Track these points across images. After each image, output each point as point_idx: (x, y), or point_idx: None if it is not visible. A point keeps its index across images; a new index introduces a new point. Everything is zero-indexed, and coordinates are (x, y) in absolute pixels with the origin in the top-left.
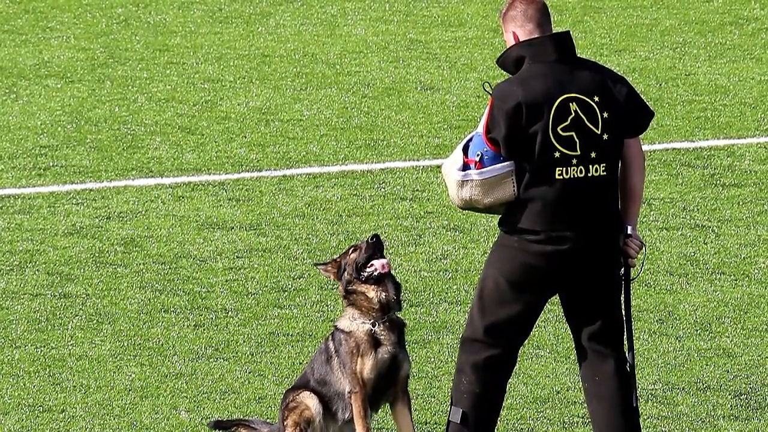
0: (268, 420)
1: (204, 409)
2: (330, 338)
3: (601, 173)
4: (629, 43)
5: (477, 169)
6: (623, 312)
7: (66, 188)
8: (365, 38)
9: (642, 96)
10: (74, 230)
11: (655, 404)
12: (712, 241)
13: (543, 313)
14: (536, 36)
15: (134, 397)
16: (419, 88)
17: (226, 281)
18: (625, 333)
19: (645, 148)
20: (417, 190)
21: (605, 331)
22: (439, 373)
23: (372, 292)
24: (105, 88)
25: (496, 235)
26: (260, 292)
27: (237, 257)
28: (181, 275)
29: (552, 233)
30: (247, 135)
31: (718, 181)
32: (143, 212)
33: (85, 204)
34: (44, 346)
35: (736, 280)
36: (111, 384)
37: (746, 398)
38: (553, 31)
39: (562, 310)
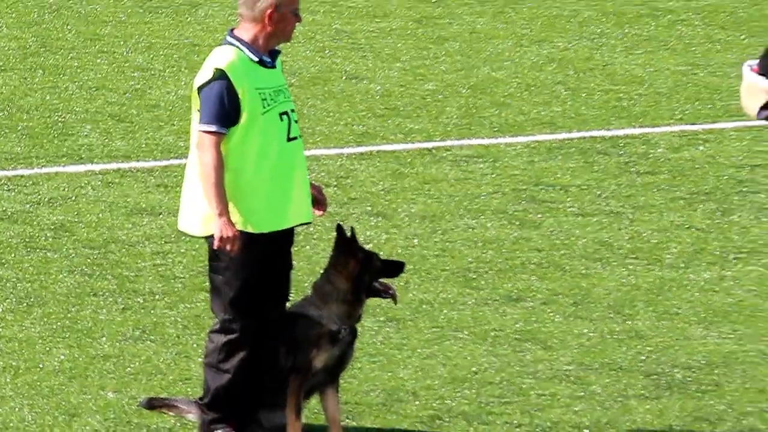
0: (193, 399)
1: (131, 389)
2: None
3: None
4: (548, 33)
5: None
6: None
7: None
8: None
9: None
10: (5, 215)
11: (568, 384)
12: (626, 227)
13: (461, 296)
14: None
15: (63, 379)
16: (345, 78)
17: (154, 266)
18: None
19: (563, 135)
20: (341, 176)
21: None
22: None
23: (363, 306)
24: (37, 76)
25: (418, 220)
26: (187, 276)
27: (165, 242)
28: (110, 260)
29: None
30: (176, 123)
31: (632, 169)
32: (73, 198)
33: (16, 190)
34: None
35: (648, 264)
36: (40, 365)
37: (657, 379)
38: None
39: (481, 293)
